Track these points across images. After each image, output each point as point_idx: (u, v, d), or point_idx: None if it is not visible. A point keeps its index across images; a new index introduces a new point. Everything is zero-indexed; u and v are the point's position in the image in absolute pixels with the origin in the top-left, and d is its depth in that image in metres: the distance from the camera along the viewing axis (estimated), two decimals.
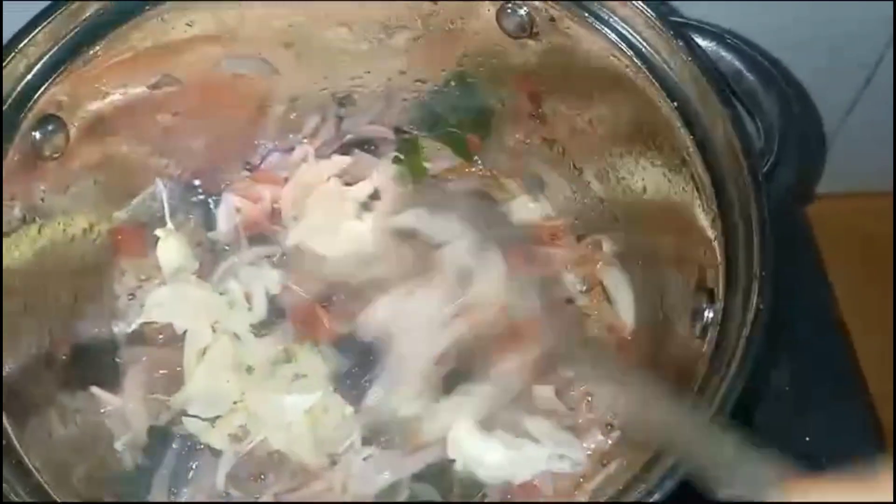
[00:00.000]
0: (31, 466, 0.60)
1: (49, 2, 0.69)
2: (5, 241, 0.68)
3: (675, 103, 0.70)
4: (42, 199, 0.72)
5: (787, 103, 0.75)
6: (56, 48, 0.69)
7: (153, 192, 0.85)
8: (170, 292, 0.82)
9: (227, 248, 0.86)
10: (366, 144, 0.91)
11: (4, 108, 0.67)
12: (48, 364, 0.73)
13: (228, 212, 0.87)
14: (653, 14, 0.71)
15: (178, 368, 0.79)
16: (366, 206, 0.87)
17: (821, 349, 0.92)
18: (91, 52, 0.71)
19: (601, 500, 0.67)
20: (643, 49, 0.72)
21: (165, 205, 0.84)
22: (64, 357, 0.75)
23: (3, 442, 0.60)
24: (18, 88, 0.68)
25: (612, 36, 0.73)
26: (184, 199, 0.88)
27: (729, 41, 0.78)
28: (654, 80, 0.71)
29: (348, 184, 0.88)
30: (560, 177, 0.88)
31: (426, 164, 0.91)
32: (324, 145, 0.91)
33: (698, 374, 0.59)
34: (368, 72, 0.86)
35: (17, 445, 0.60)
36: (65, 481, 0.64)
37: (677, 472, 0.54)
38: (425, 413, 0.74)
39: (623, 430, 0.74)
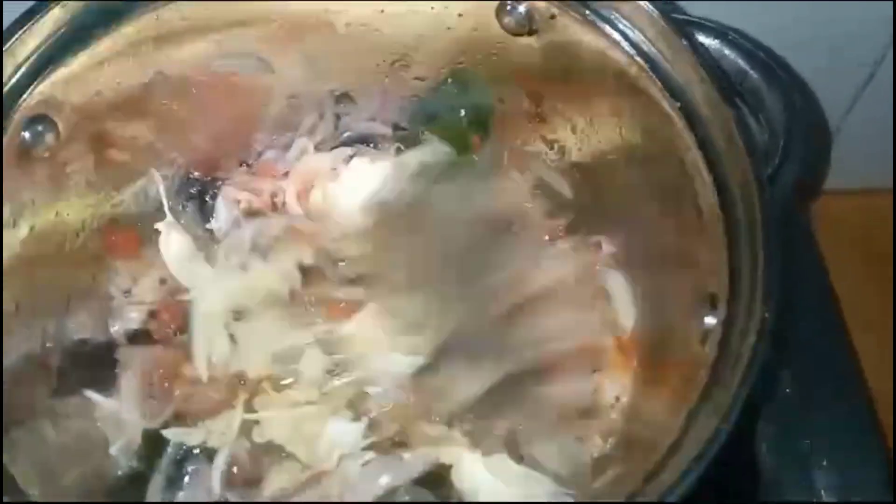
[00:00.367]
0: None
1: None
2: None
3: (679, 103, 0.69)
4: (33, 200, 0.71)
5: (792, 100, 0.75)
6: (45, 46, 0.68)
7: (145, 190, 0.83)
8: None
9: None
10: (364, 142, 0.91)
11: None
12: (41, 367, 0.73)
13: (228, 204, 0.87)
14: (656, 11, 0.70)
15: (177, 368, 0.78)
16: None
17: (822, 350, 0.91)
18: (81, 49, 0.70)
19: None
20: (645, 47, 0.71)
21: (164, 199, 0.83)
22: (57, 360, 0.74)
23: None
24: (7, 86, 0.67)
25: (614, 34, 0.72)
26: (179, 194, 0.86)
27: (731, 38, 0.77)
28: (656, 80, 0.70)
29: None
30: (559, 176, 0.86)
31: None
32: (322, 143, 0.90)
33: (701, 383, 0.58)
34: (367, 69, 0.85)
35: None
36: (55, 489, 0.63)
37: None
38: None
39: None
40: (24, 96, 0.67)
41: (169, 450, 0.75)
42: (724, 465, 0.54)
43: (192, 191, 0.87)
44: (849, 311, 0.97)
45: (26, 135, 0.69)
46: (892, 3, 0.93)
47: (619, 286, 0.81)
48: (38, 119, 0.69)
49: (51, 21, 0.68)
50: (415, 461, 0.73)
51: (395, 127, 0.91)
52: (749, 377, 0.54)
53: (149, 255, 0.83)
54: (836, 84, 1.04)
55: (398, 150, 0.89)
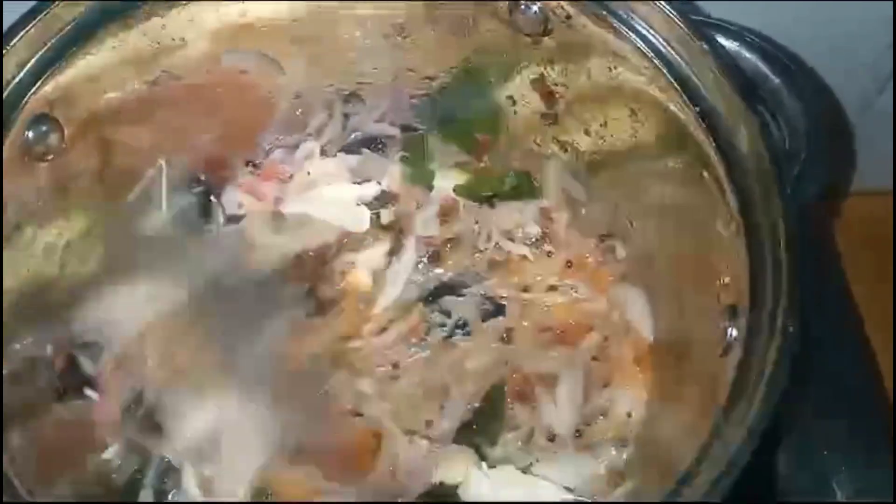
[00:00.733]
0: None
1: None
2: None
3: (697, 108, 0.67)
4: (37, 202, 0.70)
5: (813, 103, 0.73)
6: (48, 45, 0.67)
7: (149, 191, 0.82)
8: None
9: None
10: (372, 142, 0.89)
11: None
12: (41, 371, 0.72)
13: (231, 206, 0.86)
14: (674, 12, 0.68)
15: None
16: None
17: (837, 356, 0.89)
18: (85, 49, 0.69)
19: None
20: (663, 50, 0.70)
21: (164, 200, 0.82)
22: (58, 363, 0.73)
23: None
24: (10, 87, 0.66)
25: (631, 36, 0.70)
26: (185, 195, 0.85)
27: (749, 40, 0.76)
28: (674, 83, 0.69)
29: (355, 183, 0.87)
30: (572, 179, 0.85)
31: (432, 167, 0.88)
32: (330, 143, 0.89)
33: (721, 397, 0.56)
34: (375, 68, 0.84)
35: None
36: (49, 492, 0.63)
37: None
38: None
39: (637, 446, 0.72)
40: (28, 96, 0.66)
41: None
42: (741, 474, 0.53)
43: (195, 190, 0.86)
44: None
45: (29, 134, 0.68)
46: (892, 3, 0.92)
47: (634, 299, 0.80)
48: (42, 119, 0.68)
49: (54, 20, 0.67)
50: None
51: (404, 128, 0.89)
52: (774, 391, 0.53)
53: None
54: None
55: (403, 159, 0.88)
